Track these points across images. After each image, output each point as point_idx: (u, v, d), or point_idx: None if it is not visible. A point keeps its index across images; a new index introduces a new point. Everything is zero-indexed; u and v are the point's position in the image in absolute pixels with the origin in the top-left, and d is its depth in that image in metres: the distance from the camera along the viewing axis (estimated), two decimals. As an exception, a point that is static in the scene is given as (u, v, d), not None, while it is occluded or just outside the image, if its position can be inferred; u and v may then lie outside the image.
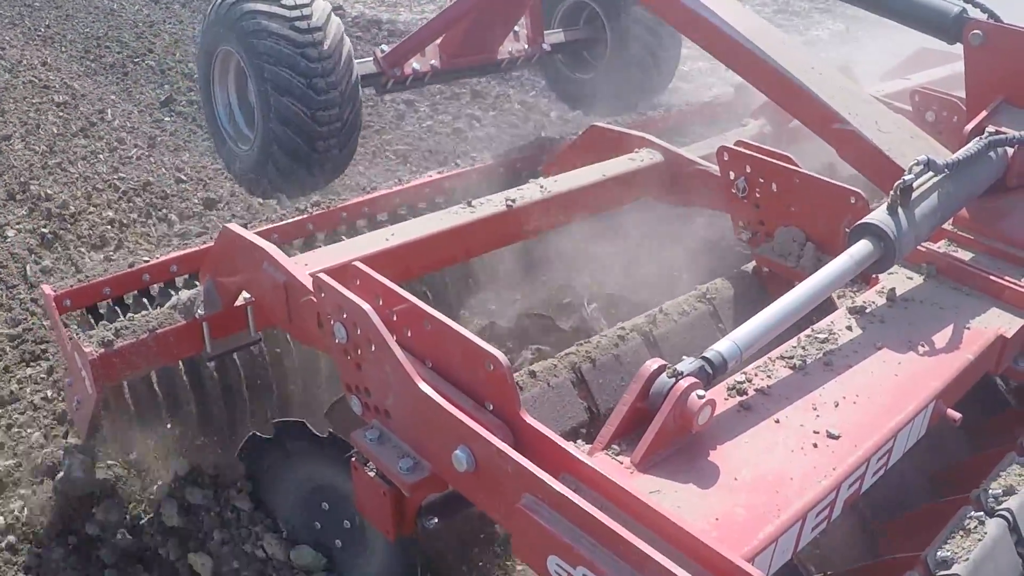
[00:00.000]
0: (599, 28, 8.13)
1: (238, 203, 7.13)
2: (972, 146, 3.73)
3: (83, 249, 6.63)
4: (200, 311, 3.97)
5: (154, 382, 4.16)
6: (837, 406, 2.87)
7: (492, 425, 2.63)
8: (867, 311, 3.39)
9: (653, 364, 2.60)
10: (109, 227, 6.91)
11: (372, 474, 2.97)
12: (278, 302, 3.52)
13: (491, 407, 2.71)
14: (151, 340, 3.88)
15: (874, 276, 3.60)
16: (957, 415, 3.07)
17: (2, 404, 5.14)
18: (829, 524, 2.68)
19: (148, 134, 8.76)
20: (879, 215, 3.30)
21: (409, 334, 2.95)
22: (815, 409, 2.85)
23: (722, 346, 2.75)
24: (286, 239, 4.74)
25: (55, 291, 4.20)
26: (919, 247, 3.69)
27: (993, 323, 3.39)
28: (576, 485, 2.43)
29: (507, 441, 2.56)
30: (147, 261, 4.44)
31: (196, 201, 7.33)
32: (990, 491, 3.12)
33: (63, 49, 11.35)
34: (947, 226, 3.96)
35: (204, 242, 4.56)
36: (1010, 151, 3.92)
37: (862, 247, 3.23)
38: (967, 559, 2.83)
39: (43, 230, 6.77)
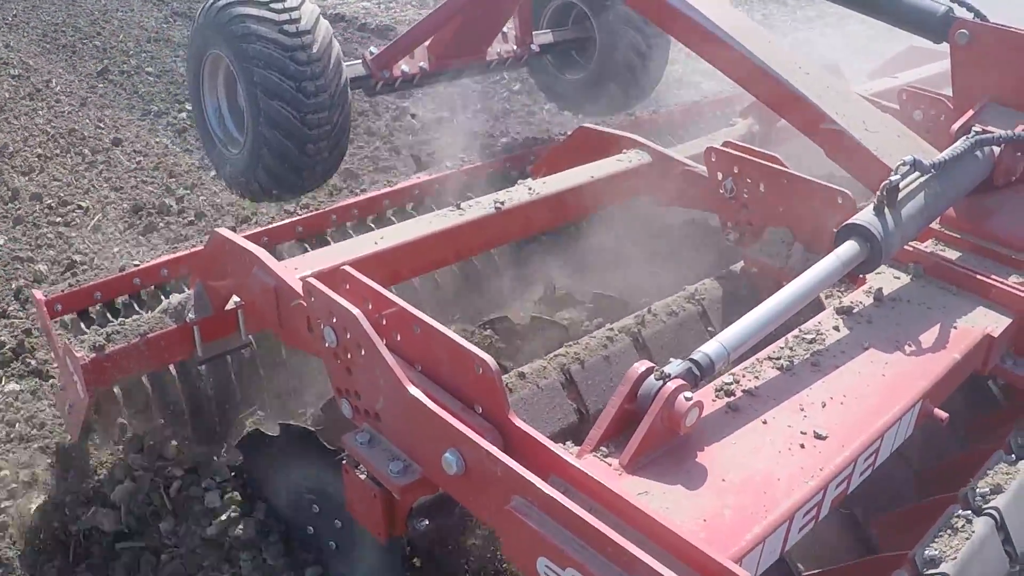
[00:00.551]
0: (587, 28, 8.13)
1: (141, 142, 9.14)
2: (959, 145, 3.74)
3: (15, 175, 8.40)
4: (191, 315, 3.98)
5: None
6: (824, 406, 2.89)
7: (481, 428, 2.64)
8: (854, 311, 3.40)
9: (641, 366, 2.61)
10: (36, 160, 8.74)
11: (363, 477, 2.98)
12: (268, 306, 3.53)
13: (480, 410, 2.73)
14: (142, 344, 3.91)
15: (861, 276, 3.61)
16: (944, 415, 3.09)
17: None
18: (817, 524, 2.70)
19: (82, 96, 10.50)
20: (865, 216, 3.31)
21: (399, 338, 2.97)
22: (802, 410, 2.87)
23: (709, 348, 2.77)
24: (275, 241, 4.75)
25: (46, 296, 4.21)
26: (906, 247, 3.71)
27: (980, 322, 3.40)
28: (565, 487, 2.45)
29: (496, 444, 2.57)
30: (137, 265, 4.46)
31: (107, 142, 9.15)
32: (977, 490, 3.15)
33: (24, 34, 13.06)
34: (934, 225, 3.97)
35: (192, 246, 4.57)
36: (997, 150, 3.94)
37: (849, 248, 3.24)
38: (955, 558, 2.85)
39: (-14, 164, 8.63)
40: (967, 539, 2.93)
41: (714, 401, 2.88)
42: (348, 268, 3.16)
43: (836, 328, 3.30)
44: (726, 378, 2.97)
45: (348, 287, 3.13)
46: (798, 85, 4.64)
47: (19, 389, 5.39)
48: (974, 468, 3.29)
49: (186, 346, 4.02)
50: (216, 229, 3.87)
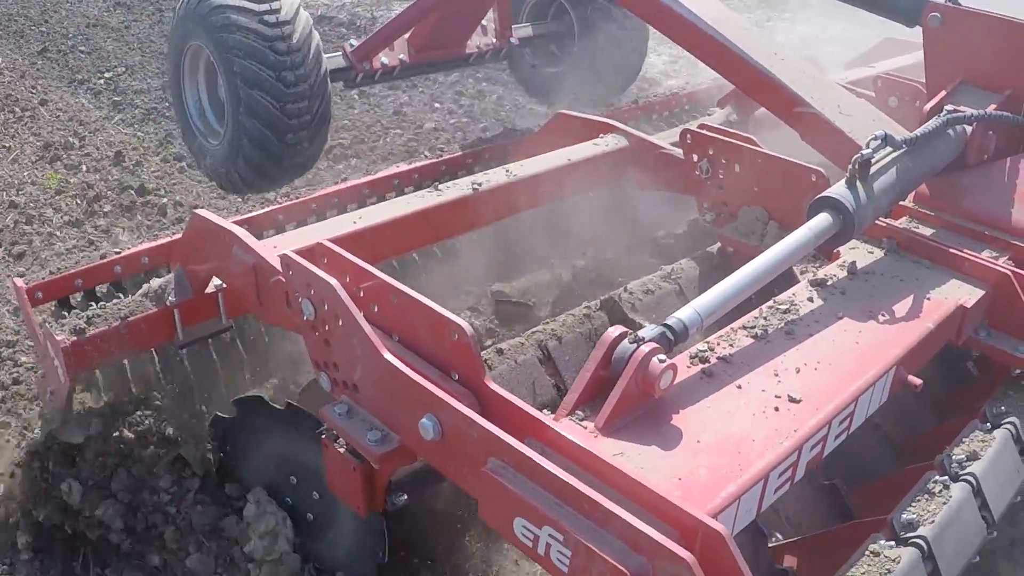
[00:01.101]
0: (566, 22, 8.16)
1: (63, 103, 9.97)
2: (930, 124, 3.79)
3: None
4: (171, 298, 3.97)
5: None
6: (798, 372, 2.92)
7: (458, 393, 2.67)
8: (828, 283, 3.44)
9: (615, 331, 2.64)
10: (-28, 119, 9.63)
11: (342, 450, 3.00)
12: (248, 285, 3.54)
13: (457, 376, 2.75)
14: (123, 328, 3.89)
15: (836, 251, 3.65)
16: (918, 381, 3.12)
17: None
18: (792, 486, 2.72)
19: (22, 70, 11.27)
20: (838, 189, 3.35)
21: (376, 309, 2.99)
22: (776, 375, 2.90)
23: (683, 313, 2.80)
24: (257, 230, 4.74)
25: (27, 283, 4.20)
26: (880, 223, 3.76)
27: (953, 294, 3.45)
28: (541, 449, 2.47)
29: (473, 408, 2.59)
30: (118, 253, 4.45)
31: (35, 103, 9.90)
32: (954, 456, 3.19)
33: (-19, 24, 14.28)
34: (908, 203, 4.03)
35: (173, 233, 4.57)
36: (969, 129, 3.99)
37: (821, 220, 3.28)
38: (932, 522, 2.89)
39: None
40: (944, 504, 2.97)
41: (689, 368, 2.91)
42: (326, 242, 3.18)
43: (810, 299, 3.34)
44: (701, 346, 3.00)
45: (327, 261, 3.15)
46: (773, 70, 4.68)
47: None
48: (950, 439, 3.33)
49: (167, 330, 4.01)
50: (196, 211, 3.87)
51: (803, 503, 3.51)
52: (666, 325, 2.73)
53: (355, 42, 6.97)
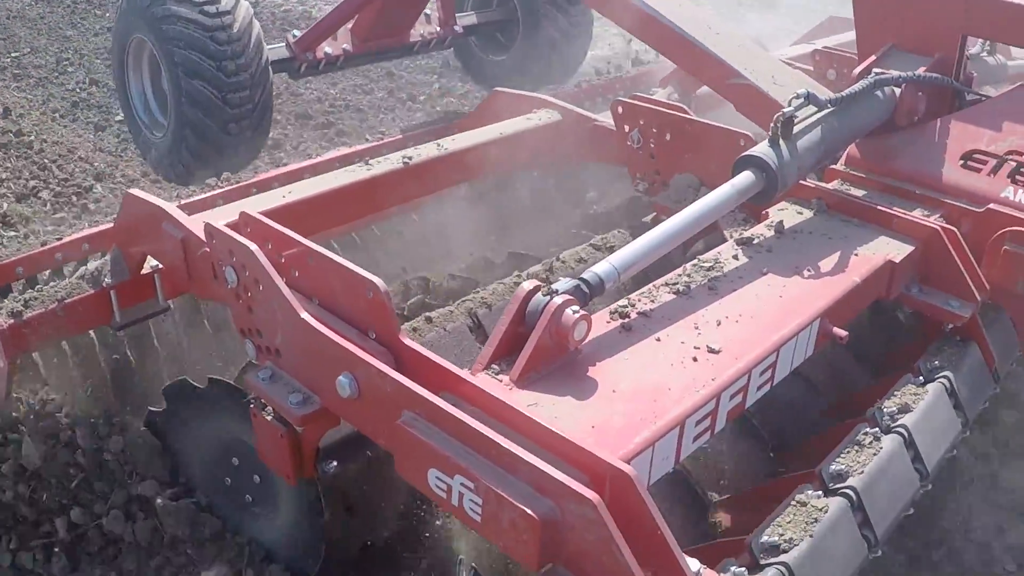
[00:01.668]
0: (511, 10, 8.18)
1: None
2: (858, 85, 3.82)
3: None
4: (107, 280, 3.95)
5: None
6: (719, 325, 2.93)
7: (374, 351, 2.66)
8: (755, 242, 3.45)
9: (529, 285, 2.63)
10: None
11: (269, 418, 2.99)
12: (178, 260, 3.53)
13: (374, 335, 2.74)
14: (60, 310, 3.87)
15: (764, 212, 3.67)
16: (843, 333, 3.12)
17: None
18: (712, 436, 2.73)
19: None
20: (760, 147, 3.37)
21: (297, 274, 2.98)
22: (696, 328, 2.91)
23: (600, 268, 2.80)
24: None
25: None
26: (809, 184, 3.78)
27: (882, 250, 3.46)
28: (455, 402, 2.46)
29: (388, 364, 2.59)
30: (59, 239, 4.43)
31: None
32: (885, 409, 3.19)
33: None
34: (839, 166, 4.05)
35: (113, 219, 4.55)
36: (898, 91, 4.02)
37: (744, 178, 3.30)
38: (862, 472, 2.88)
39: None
40: (874, 455, 2.97)
41: (608, 323, 2.90)
42: (250, 211, 3.18)
43: (735, 256, 3.35)
44: (621, 302, 3.00)
45: (250, 230, 3.14)
46: (708, 44, 4.72)
47: None
48: (883, 395, 3.34)
49: (104, 312, 3.99)
50: (129, 190, 3.86)
51: (733, 462, 3.53)
52: (581, 279, 2.74)
53: (298, 32, 6.95)
